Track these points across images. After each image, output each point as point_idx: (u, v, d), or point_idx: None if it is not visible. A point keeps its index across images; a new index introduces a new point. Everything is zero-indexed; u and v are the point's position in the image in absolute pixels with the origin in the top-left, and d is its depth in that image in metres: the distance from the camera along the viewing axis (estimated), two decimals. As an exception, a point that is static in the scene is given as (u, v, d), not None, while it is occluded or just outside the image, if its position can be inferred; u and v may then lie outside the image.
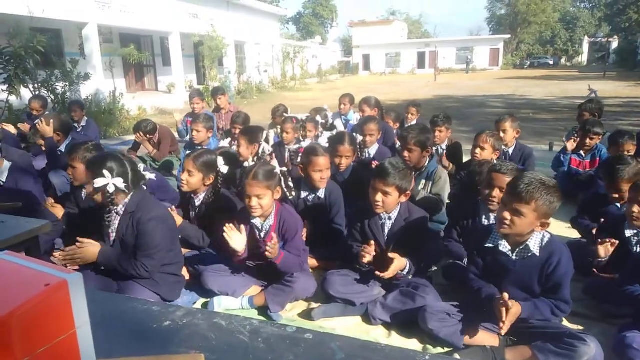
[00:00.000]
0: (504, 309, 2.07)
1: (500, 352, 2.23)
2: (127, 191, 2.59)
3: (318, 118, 5.58)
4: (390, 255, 2.57)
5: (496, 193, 2.81)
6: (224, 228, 2.62)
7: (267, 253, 2.58)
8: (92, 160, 2.68)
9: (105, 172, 2.49)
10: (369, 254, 2.57)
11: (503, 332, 2.07)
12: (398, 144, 5.43)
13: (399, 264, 2.59)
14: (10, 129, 5.69)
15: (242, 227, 2.69)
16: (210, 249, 3.23)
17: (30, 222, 1.98)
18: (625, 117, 11.08)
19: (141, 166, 2.86)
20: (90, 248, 2.59)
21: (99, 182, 2.49)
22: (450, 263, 3.08)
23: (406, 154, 3.64)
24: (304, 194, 3.44)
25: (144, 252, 2.56)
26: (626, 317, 2.41)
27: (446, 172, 3.82)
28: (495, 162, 3.45)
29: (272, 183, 2.72)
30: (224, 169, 3.28)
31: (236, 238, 2.63)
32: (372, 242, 2.62)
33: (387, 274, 2.57)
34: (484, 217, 2.99)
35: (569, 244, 2.75)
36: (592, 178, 4.38)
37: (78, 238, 2.62)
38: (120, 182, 2.52)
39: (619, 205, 3.13)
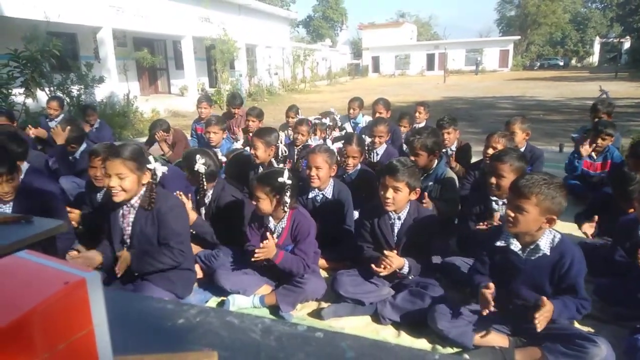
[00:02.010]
0: (488, 294, 2.11)
1: (510, 353, 2.23)
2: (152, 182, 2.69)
3: (325, 121, 5.59)
4: (387, 253, 2.59)
5: (494, 180, 2.98)
6: (257, 251, 2.66)
7: (255, 257, 2.65)
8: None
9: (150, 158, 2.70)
10: (387, 266, 2.59)
11: (538, 329, 2.00)
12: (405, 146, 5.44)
13: (397, 262, 2.61)
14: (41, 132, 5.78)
15: (269, 235, 2.76)
16: (223, 246, 3.26)
17: (48, 222, 2.01)
18: (638, 118, 10.94)
19: (151, 158, 2.83)
20: (89, 260, 2.63)
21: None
22: (445, 262, 3.08)
23: (413, 158, 3.62)
24: (312, 194, 3.46)
25: (175, 240, 2.61)
26: (638, 319, 2.39)
27: (455, 175, 3.81)
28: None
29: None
30: (201, 168, 3.22)
31: (269, 245, 2.68)
32: (395, 251, 2.65)
33: (383, 272, 2.60)
34: (494, 203, 3.07)
35: (580, 245, 2.75)
36: (603, 180, 4.36)
37: (69, 254, 2.70)
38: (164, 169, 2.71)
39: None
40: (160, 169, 2.74)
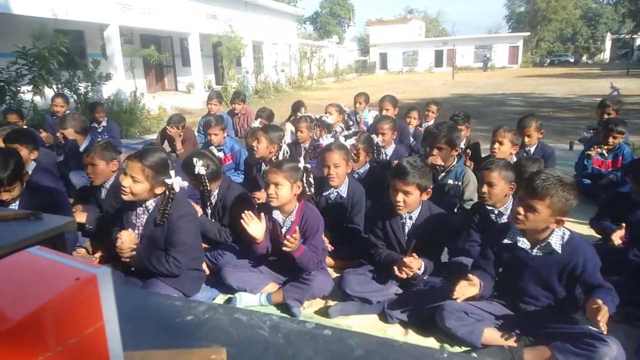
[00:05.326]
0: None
1: (519, 352, 2.21)
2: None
3: (326, 119, 5.54)
4: (406, 259, 2.58)
5: (485, 189, 2.97)
6: (242, 215, 2.70)
7: (285, 247, 2.63)
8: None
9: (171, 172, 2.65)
10: (407, 271, 2.57)
11: (603, 329, 1.90)
12: (413, 141, 5.41)
13: (415, 265, 2.60)
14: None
15: (262, 215, 2.78)
16: (232, 243, 3.26)
17: (57, 218, 2.03)
18: (650, 115, 10.82)
19: (172, 172, 2.76)
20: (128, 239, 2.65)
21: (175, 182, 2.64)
22: (453, 261, 3.05)
23: (435, 152, 3.56)
24: (326, 192, 3.45)
25: (176, 249, 2.62)
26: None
27: (474, 175, 3.76)
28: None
29: (291, 174, 2.77)
30: (202, 170, 3.18)
31: (254, 225, 2.71)
32: (412, 256, 2.63)
33: (403, 275, 2.59)
34: (490, 214, 3.05)
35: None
36: (615, 181, 4.34)
37: (76, 250, 2.79)
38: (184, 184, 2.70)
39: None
40: (179, 184, 2.71)
